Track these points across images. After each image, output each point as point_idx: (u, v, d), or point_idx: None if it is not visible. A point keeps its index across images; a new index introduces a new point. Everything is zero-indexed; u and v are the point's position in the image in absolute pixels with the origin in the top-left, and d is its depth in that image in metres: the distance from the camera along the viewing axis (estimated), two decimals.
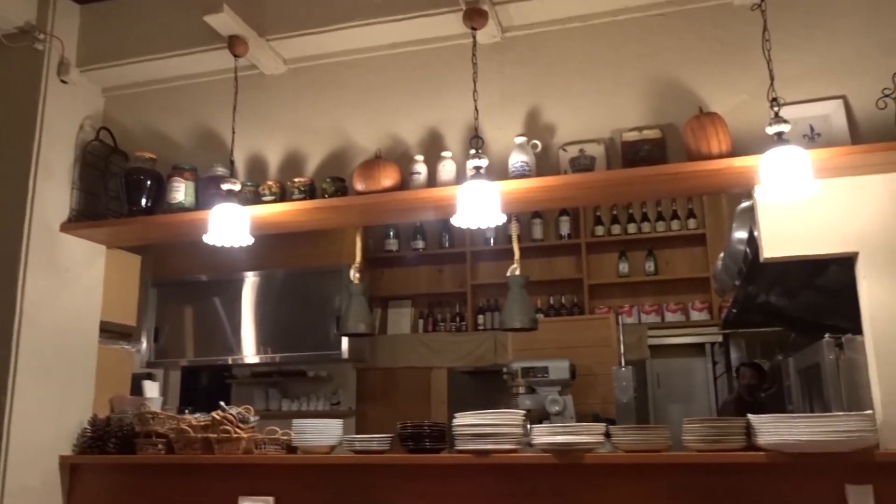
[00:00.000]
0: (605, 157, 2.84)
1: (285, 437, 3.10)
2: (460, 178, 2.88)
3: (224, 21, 3.01)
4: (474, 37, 2.86)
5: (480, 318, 6.62)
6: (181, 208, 3.18)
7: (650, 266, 6.43)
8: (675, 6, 2.89)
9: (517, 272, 3.84)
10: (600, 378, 5.26)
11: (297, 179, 3.10)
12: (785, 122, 2.37)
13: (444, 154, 2.97)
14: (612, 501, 2.63)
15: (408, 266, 6.96)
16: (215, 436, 3.04)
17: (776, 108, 2.40)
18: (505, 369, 4.94)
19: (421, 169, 2.97)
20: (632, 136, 2.79)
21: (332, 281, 5.94)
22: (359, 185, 2.97)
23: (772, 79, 2.44)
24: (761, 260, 2.69)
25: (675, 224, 6.40)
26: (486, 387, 6.01)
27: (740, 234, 3.59)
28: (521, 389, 4.78)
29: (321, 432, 3.04)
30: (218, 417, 3.07)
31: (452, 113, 3.05)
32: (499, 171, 2.85)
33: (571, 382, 4.82)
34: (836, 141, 2.57)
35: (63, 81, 3.34)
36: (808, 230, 2.62)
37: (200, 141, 3.41)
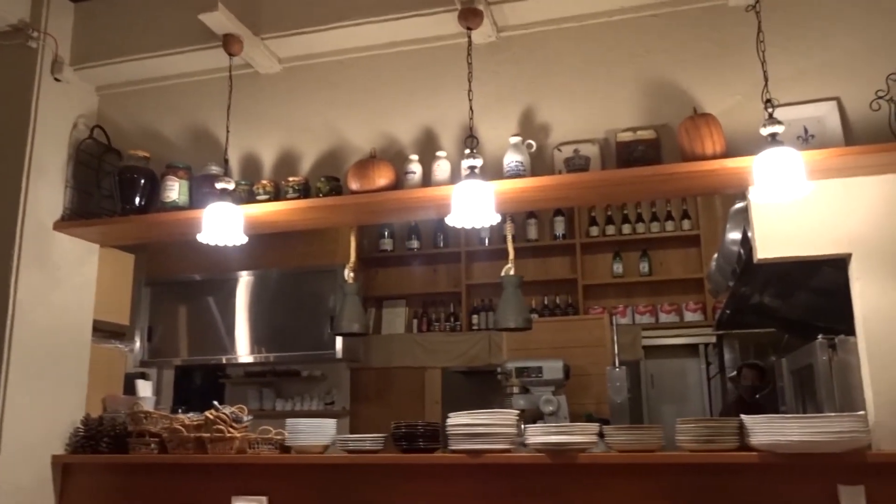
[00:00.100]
0: (599, 158, 2.85)
1: (279, 437, 3.10)
2: (455, 177, 2.88)
3: (219, 19, 3.00)
4: (469, 36, 2.86)
5: (475, 318, 6.62)
6: (175, 207, 3.17)
7: (644, 267, 6.44)
8: (670, 7, 2.90)
9: (512, 272, 3.84)
10: (594, 378, 5.27)
11: (291, 178, 3.10)
12: (779, 123, 2.38)
13: (438, 154, 2.97)
14: (605, 501, 2.63)
15: (402, 266, 6.96)
16: (208, 435, 3.03)
17: (770, 110, 2.41)
18: (499, 369, 4.94)
19: (416, 168, 2.97)
20: (626, 136, 2.80)
21: (326, 280, 5.93)
22: (353, 185, 2.97)
23: (766, 80, 2.44)
24: (755, 261, 2.70)
25: (669, 225, 6.42)
26: (481, 387, 6.01)
27: (734, 235, 3.60)
28: (516, 389, 4.78)
29: (314, 432, 3.03)
30: (211, 417, 3.06)
31: (447, 112, 3.05)
32: (493, 171, 2.86)
33: (565, 383, 4.82)
34: (830, 142, 2.58)
35: (57, 79, 3.33)
36: (802, 231, 2.63)
37: (194, 140, 3.40)
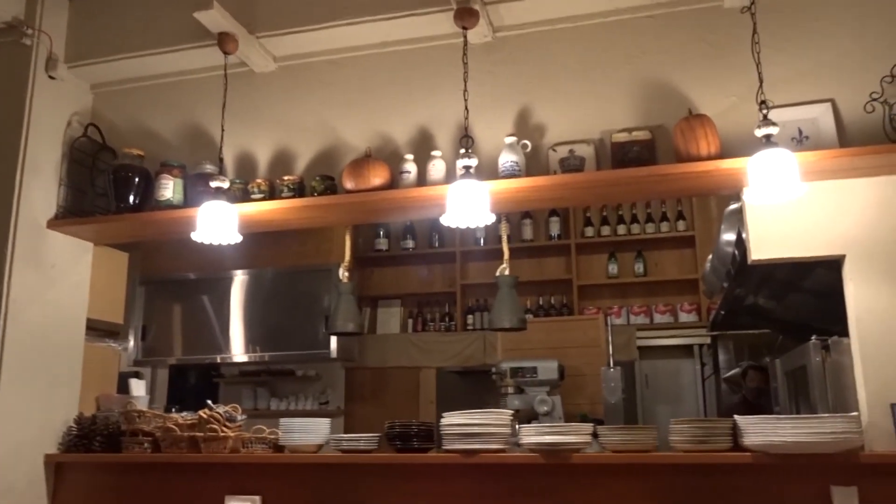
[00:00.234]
0: (594, 158, 2.85)
1: (272, 437, 3.09)
2: (450, 177, 2.88)
3: (214, 18, 3.00)
4: (465, 36, 2.86)
5: (470, 318, 6.62)
6: (169, 206, 3.16)
7: (639, 267, 6.44)
8: (665, 8, 2.90)
9: (507, 272, 3.85)
10: (589, 379, 5.27)
11: (286, 177, 3.09)
12: (773, 124, 2.38)
13: (433, 153, 2.97)
14: (599, 501, 2.64)
15: (397, 265, 6.95)
16: (202, 434, 3.03)
17: (765, 111, 2.41)
18: (494, 369, 4.94)
19: (411, 168, 2.97)
20: (621, 137, 2.80)
21: (321, 280, 5.92)
22: (348, 184, 2.97)
23: (761, 81, 2.45)
24: (749, 262, 2.70)
25: (664, 226, 6.42)
26: (475, 387, 6.01)
27: (728, 236, 3.60)
28: (510, 389, 4.78)
29: (308, 431, 3.03)
30: (205, 416, 3.06)
31: (443, 112, 3.05)
32: (488, 171, 2.86)
33: (560, 383, 4.82)
34: (824, 144, 2.59)
35: (51, 77, 3.32)
36: (796, 233, 2.63)
37: (189, 138, 3.39)
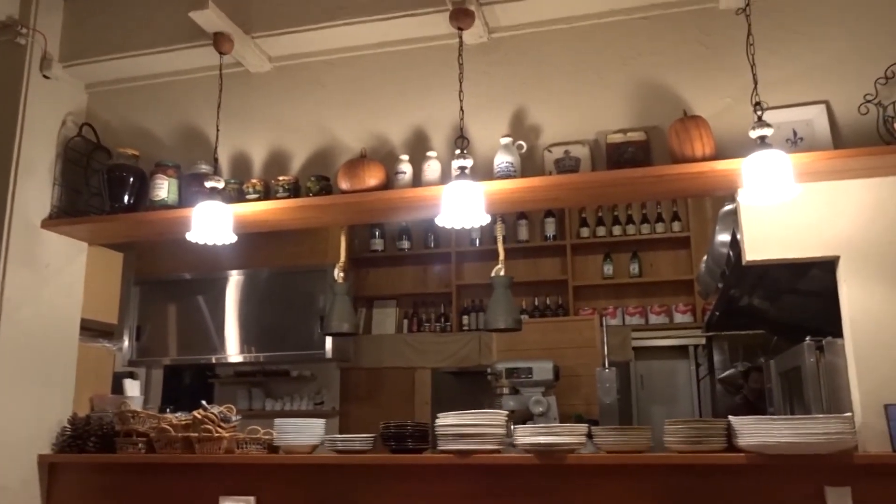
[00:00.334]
0: (589, 159, 2.85)
1: (267, 437, 3.09)
2: (445, 178, 2.89)
3: (209, 18, 2.99)
4: (461, 37, 2.86)
5: (465, 319, 6.62)
6: (164, 206, 3.16)
7: (634, 268, 6.45)
8: (661, 10, 2.91)
9: (502, 273, 3.85)
10: (584, 379, 5.28)
11: (281, 178, 3.09)
12: (768, 126, 2.39)
13: (429, 154, 2.97)
14: (593, 502, 2.64)
15: (393, 266, 6.95)
16: (196, 435, 3.02)
17: (759, 112, 2.42)
18: (489, 370, 4.94)
19: (406, 168, 2.97)
20: (616, 138, 2.80)
21: (316, 280, 5.92)
22: (343, 185, 2.97)
23: (755, 83, 2.45)
24: (744, 263, 2.71)
25: (659, 227, 6.43)
26: (471, 387, 6.01)
27: (723, 237, 3.61)
28: (505, 390, 4.78)
29: (303, 432, 3.02)
30: (199, 417, 3.05)
31: (438, 113, 3.05)
32: (484, 172, 2.86)
33: (555, 383, 4.83)
34: (819, 145, 2.59)
35: (45, 77, 3.32)
36: (790, 234, 2.64)
37: (184, 138, 3.38)
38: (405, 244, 6.83)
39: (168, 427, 3.07)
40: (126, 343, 6.15)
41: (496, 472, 2.75)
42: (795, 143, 2.64)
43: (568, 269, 6.53)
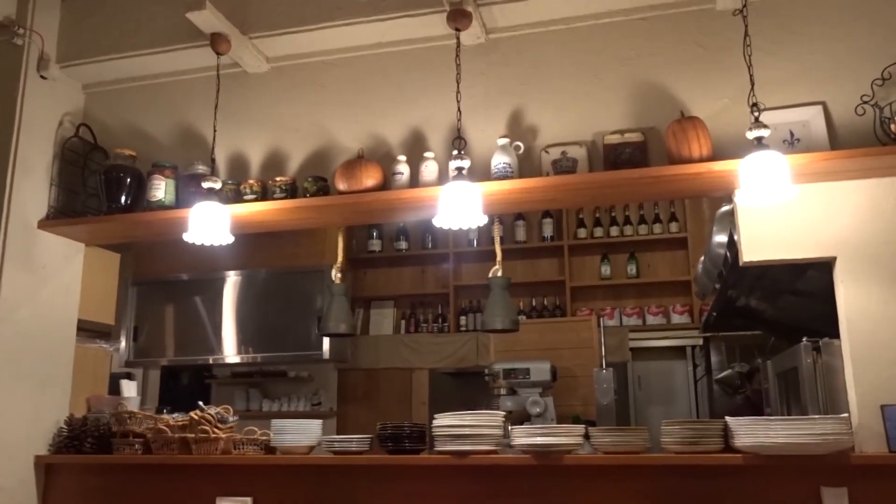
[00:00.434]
0: (587, 160, 2.85)
1: (264, 438, 3.08)
2: (443, 178, 2.89)
3: (206, 18, 2.99)
4: (458, 38, 2.86)
5: (463, 320, 6.62)
6: (161, 206, 3.15)
7: (632, 269, 6.45)
8: (658, 10, 2.91)
9: (499, 274, 3.85)
10: (581, 380, 5.27)
11: (278, 178, 3.09)
12: (765, 126, 2.39)
13: (426, 154, 2.97)
14: (591, 502, 2.64)
15: (390, 267, 6.94)
16: (193, 436, 3.02)
17: (756, 113, 2.42)
18: (486, 371, 4.94)
19: (403, 169, 2.97)
20: (614, 138, 2.81)
21: (313, 281, 5.92)
22: (341, 185, 2.96)
23: (752, 84, 2.45)
24: (741, 263, 2.71)
25: (656, 227, 6.44)
26: (468, 388, 6.01)
27: (720, 238, 3.60)
28: (503, 391, 4.78)
29: (300, 433, 3.02)
30: (196, 417, 3.05)
31: (435, 114, 3.05)
32: (481, 173, 2.86)
33: (553, 384, 4.82)
34: (815, 146, 2.60)
35: (43, 77, 3.31)
36: (787, 234, 2.64)
37: (181, 139, 3.38)
38: (403, 245, 6.82)
39: (165, 428, 3.06)
40: (123, 344, 6.15)
41: (493, 472, 2.75)
42: (792, 143, 2.64)
43: (565, 270, 6.53)
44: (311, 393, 6.40)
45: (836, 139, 2.62)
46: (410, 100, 3.13)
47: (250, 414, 6.08)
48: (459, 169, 2.66)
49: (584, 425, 2.77)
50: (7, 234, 3.12)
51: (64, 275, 3.40)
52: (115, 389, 3.87)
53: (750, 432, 2.43)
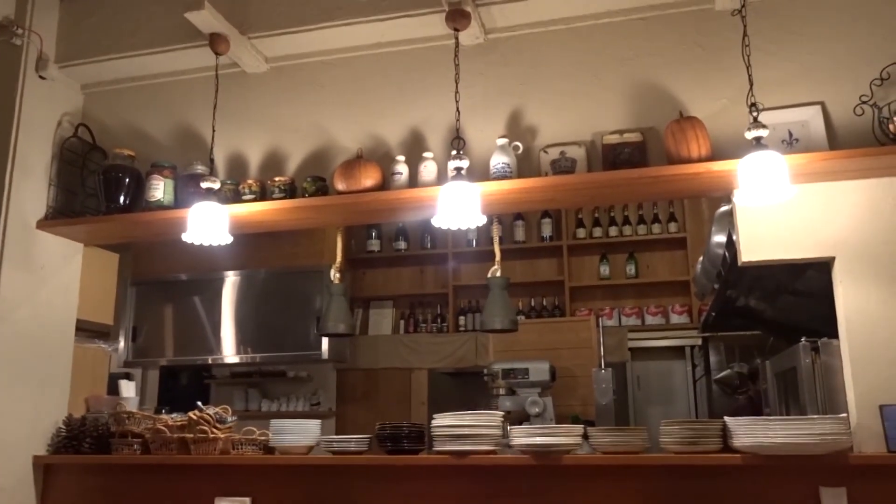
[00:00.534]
0: (586, 160, 2.85)
1: (262, 438, 3.08)
2: (442, 178, 2.88)
3: (205, 18, 2.99)
4: (457, 38, 2.87)
5: (462, 320, 6.62)
6: (160, 206, 3.15)
7: (631, 269, 6.46)
8: (657, 11, 2.91)
9: (498, 274, 3.84)
10: (580, 380, 5.28)
11: (277, 178, 3.09)
12: (764, 126, 2.40)
13: (425, 155, 2.97)
14: (589, 502, 2.64)
15: (389, 267, 6.95)
16: (191, 436, 3.02)
17: (755, 113, 2.42)
18: (485, 371, 4.94)
19: (402, 169, 2.96)
20: (613, 138, 2.81)
21: (312, 281, 5.92)
22: (339, 185, 2.96)
23: (751, 84, 2.45)
24: (739, 263, 2.71)
25: (655, 227, 6.44)
26: (467, 388, 6.01)
27: (719, 238, 3.61)
28: (502, 391, 4.78)
29: (299, 433, 3.02)
30: (194, 417, 3.05)
31: (434, 114, 3.05)
32: (480, 173, 2.86)
33: (552, 384, 4.82)
34: (814, 146, 2.60)
35: (41, 77, 3.31)
36: (786, 234, 2.65)
37: (180, 139, 3.38)
38: (402, 245, 6.82)
39: (163, 428, 3.06)
40: (122, 344, 6.15)
41: (492, 473, 2.75)
42: (791, 144, 2.65)
43: (564, 270, 6.53)
44: (309, 393, 6.40)
45: (835, 139, 2.62)
46: (409, 100, 3.13)
47: (249, 414, 6.08)
48: (458, 169, 2.66)
49: (583, 425, 2.77)
50: (6, 234, 3.11)
51: (63, 275, 3.40)
52: (113, 389, 3.87)
53: (749, 432, 2.43)
